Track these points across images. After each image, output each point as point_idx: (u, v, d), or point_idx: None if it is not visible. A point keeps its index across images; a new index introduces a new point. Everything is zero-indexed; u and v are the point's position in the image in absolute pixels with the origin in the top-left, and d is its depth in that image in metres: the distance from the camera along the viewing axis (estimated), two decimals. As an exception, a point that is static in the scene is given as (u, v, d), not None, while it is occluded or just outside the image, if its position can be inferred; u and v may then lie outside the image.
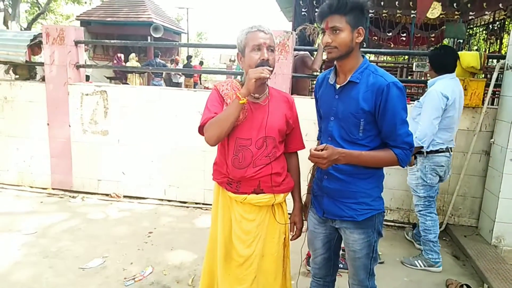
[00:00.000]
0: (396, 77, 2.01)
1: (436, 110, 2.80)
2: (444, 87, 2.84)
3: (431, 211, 3.04)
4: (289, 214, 2.00)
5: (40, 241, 3.25)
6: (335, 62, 1.71)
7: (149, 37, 13.62)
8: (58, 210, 3.95)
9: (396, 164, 1.67)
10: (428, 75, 3.41)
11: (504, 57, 3.50)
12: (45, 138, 4.43)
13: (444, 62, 2.95)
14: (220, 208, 1.92)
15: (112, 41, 5.34)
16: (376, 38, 8.83)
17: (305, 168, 2.19)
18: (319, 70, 4.08)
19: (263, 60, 1.70)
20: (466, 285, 2.72)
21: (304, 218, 2.01)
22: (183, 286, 2.69)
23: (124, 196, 4.36)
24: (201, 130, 1.79)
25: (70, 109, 4.32)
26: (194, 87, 13.53)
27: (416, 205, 3.11)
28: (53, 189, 4.49)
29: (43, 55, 4.39)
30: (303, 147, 1.98)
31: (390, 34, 8.50)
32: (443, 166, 2.97)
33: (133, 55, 11.80)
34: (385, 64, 10.26)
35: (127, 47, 14.01)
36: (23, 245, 3.16)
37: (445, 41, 9.71)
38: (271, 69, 1.70)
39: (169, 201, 4.29)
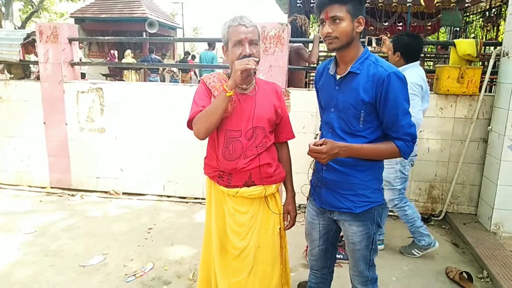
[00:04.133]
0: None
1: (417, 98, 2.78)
2: (415, 77, 2.78)
3: (405, 201, 3.01)
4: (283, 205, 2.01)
5: (39, 240, 3.25)
6: (335, 53, 1.69)
7: (144, 33, 13.54)
8: (57, 209, 3.95)
9: (398, 156, 1.64)
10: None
11: (500, 44, 3.48)
12: (42, 137, 4.41)
13: (415, 50, 2.88)
14: (213, 201, 1.93)
15: (106, 37, 5.30)
16: (372, 28, 8.80)
17: (298, 157, 2.19)
18: (316, 63, 4.05)
19: (245, 56, 1.69)
20: (466, 272, 2.73)
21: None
22: (184, 280, 2.70)
23: (123, 193, 4.36)
24: (189, 124, 1.79)
25: (66, 107, 4.30)
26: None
27: (391, 200, 3.00)
28: (52, 187, 4.49)
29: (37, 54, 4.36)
30: (293, 136, 1.99)
31: (387, 23, 8.46)
32: (416, 155, 3.06)
33: (128, 51, 11.72)
34: (381, 54, 10.23)
35: (123, 44, 13.92)
36: (22, 245, 3.16)
37: (442, 29, 9.68)
38: (257, 59, 1.69)
39: (168, 196, 4.29)
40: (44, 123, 4.37)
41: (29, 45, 4.57)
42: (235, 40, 1.70)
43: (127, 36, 9.55)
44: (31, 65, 4.92)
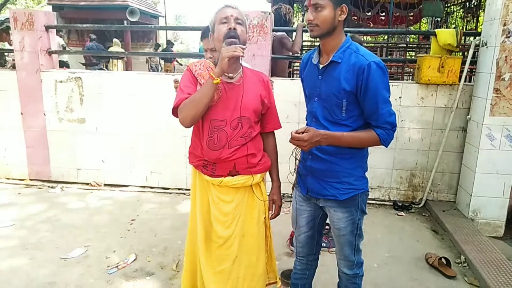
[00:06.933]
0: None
1: None
2: None
3: None
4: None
5: (18, 233, 3.17)
6: (319, 42, 1.70)
7: (125, 21, 13.22)
8: (36, 201, 3.86)
9: (378, 144, 1.67)
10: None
11: (479, 34, 3.53)
12: (19, 128, 4.29)
13: None
14: (197, 190, 1.92)
15: (84, 25, 5.15)
16: (355, 18, 8.83)
17: (283, 147, 2.19)
18: (299, 52, 4.03)
19: (230, 29, 1.68)
20: (445, 258, 2.80)
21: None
22: (167, 271, 2.68)
23: (105, 185, 4.29)
24: (175, 111, 1.77)
25: (44, 97, 4.18)
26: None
27: None
28: (31, 180, 4.38)
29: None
30: (279, 126, 1.98)
31: (370, 13, 8.50)
32: None
33: (116, 40, 11.46)
34: (365, 44, 10.29)
35: (103, 33, 13.57)
36: (0, 238, 3.08)
37: (424, 20, 9.77)
38: (244, 47, 1.67)
39: (151, 187, 4.25)
40: (22, 113, 4.24)
41: (3, 32, 4.40)
42: (221, 18, 1.72)
43: (107, 24, 9.33)
44: (5, 54, 4.75)
